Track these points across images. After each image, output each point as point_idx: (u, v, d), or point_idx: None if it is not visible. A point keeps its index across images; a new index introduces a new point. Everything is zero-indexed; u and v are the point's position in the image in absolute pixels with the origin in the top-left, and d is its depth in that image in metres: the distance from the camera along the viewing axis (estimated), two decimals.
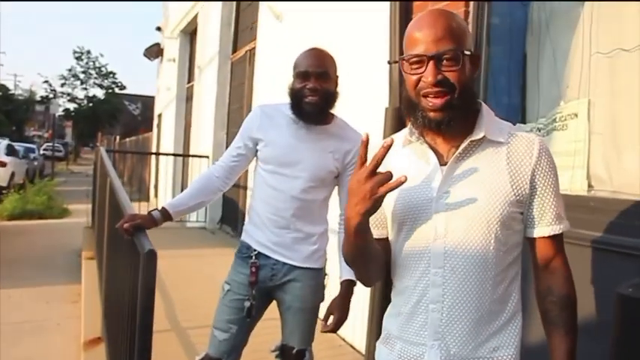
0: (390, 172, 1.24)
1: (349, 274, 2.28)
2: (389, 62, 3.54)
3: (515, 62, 2.98)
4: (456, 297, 1.37)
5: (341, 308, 2.31)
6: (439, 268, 1.38)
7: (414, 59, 1.35)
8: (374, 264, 1.48)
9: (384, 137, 3.51)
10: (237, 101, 8.71)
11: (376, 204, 1.26)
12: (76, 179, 22.70)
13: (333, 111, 2.34)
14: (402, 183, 1.23)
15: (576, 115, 2.47)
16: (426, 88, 1.34)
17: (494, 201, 1.35)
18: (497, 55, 3.06)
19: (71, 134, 44.62)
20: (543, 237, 1.43)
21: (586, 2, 2.51)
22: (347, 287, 2.32)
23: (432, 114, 1.35)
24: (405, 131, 1.49)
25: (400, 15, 3.45)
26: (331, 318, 2.32)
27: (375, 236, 1.48)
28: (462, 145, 1.38)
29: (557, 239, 1.44)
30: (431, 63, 1.33)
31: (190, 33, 12.53)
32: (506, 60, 3.05)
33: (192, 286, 5.52)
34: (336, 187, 2.41)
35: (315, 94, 2.23)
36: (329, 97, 2.27)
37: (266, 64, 6.76)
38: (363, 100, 3.88)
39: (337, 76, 2.33)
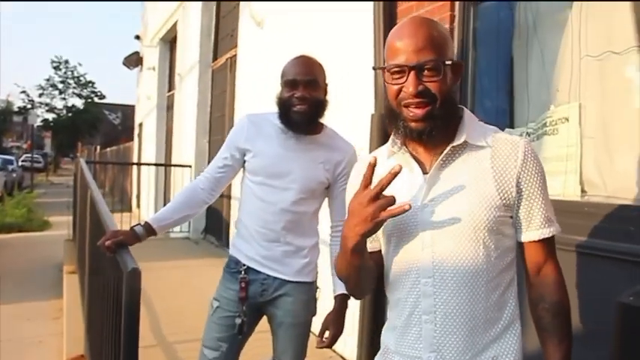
0: (393, 197, 1.25)
1: (343, 289, 2.21)
2: (374, 68, 3.50)
3: (503, 66, 2.95)
4: (448, 306, 1.35)
5: (336, 323, 2.25)
6: (428, 277, 1.36)
7: (395, 69, 1.35)
8: (367, 279, 1.48)
9: (371, 144, 3.47)
10: (219, 109, 8.65)
11: (376, 227, 1.27)
12: (56, 190, 22.44)
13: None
14: (406, 211, 1.24)
15: (567, 119, 2.44)
16: (407, 98, 1.34)
17: (479, 206, 1.34)
18: (484, 59, 3.03)
19: (50, 145, 44.10)
20: (533, 241, 1.41)
21: (574, 3, 2.48)
22: (341, 302, 2.27)
23: (413, 124, 1.35)
24: (388, 144, 1.48)
25: (384, 17, 3.42)
26: (326, 333, 2.26)
27: (367, 249, 1.48)
28: (444, 152, 1.37)
29: (547, 243, 1.42)
30: (412, 73, 1.32)
31: (170, 41, 12.44)
32: (494, 64, 3.02)
33: (178, 298, 5.43)
34: (327, 198, 2.35)
35: (303, 102, 2.17)
36: (318, 105, 2.21)
37: (248, 71, 6.71)
38: (348, 107, 3.83)
39: (326, 84, 2.27)
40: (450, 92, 1.37)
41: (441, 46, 1.35)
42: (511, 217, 1.39)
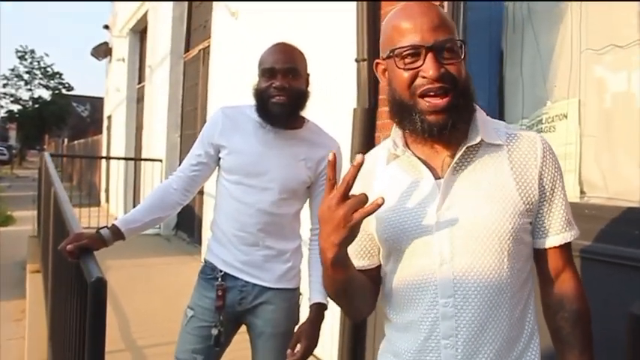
0: (365, 195, 1.08)
1: (320, 297, 2.04)
2: (357, 60, 3.34)
3: (494, 59, 2.82)
4: (471, 328, 1.19)
5: (310, 335, 2.03)
6: (449, 297, 1.19)
7: (409, 51, 1.16)
8: (361, 297, 1.30)
9: (353, 140, 3.30)
10: (190, 102, 8.46)
11: (352, 232, 1.10)
12: (21, 184, 21.80)
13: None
14: (380, 206, 1.07)
15: (565, 116, 2.31)
16: (426, 84, 1.16)
17: (503, 213, 1.18)
18: (474, 52, 2.88)
19: (16, 137, 43.07)
20: (554, 247, 1.27)
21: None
22: (317, 311, 2.06)
23: (432, 117, 1.16)
24: (386, 145, 1.30)
25: (368, 12, 3.26)
26: (298, 346, 2.04)
27: (363, 267, 1.33)
28: (459, 153, 1.20)
29: (566, 248, 1.30)
30: (430, 55, 1.15)
31: (140, 31, 12.20)
32: (486, 59, 2.88)
33: (148, 298, 5.21)
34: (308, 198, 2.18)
35: (282, 93, 1.99)
36: (299, 96, 2.04)
37: (221, 63, 6.51)
38: (328, 102, 3.67)
39: (308, 74, 2.10)
40: (468, 79, 1.20)
41: (454, 28, 1.21)
42: (531, 222, 1.25)
